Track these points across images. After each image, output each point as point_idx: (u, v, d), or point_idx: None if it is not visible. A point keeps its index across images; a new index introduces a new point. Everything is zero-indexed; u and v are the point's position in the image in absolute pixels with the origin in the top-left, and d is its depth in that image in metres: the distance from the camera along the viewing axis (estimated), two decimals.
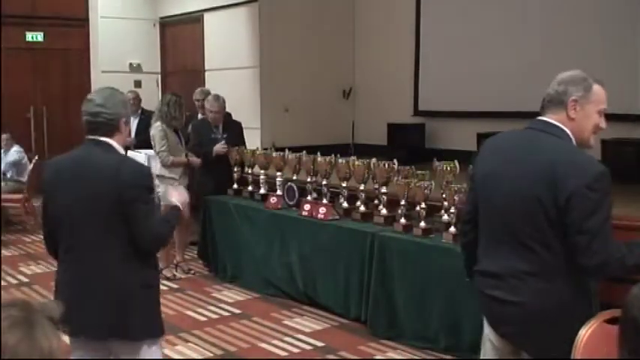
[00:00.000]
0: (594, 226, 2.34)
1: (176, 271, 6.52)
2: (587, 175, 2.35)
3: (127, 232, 2.74)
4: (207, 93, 7.14)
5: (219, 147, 6.57)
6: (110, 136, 2.84)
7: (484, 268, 2.61)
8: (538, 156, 2.47)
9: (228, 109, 6.90)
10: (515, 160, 2.51)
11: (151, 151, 7.61)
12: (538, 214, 2.42)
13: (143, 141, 7.67)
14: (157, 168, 6.26)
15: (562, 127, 2.52)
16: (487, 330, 2.68)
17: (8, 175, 8.64)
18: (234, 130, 6.91)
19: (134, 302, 2.78)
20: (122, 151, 2.94)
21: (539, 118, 2.58)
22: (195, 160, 6.50)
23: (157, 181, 6.36)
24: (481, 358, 2.75)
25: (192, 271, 6.61)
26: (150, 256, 2.90)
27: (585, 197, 2.33)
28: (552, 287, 2.45)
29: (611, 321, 2.48)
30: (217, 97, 6.74)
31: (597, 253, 2.35)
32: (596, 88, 2.60)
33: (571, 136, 2.52)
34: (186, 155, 6.46)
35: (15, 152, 8.77)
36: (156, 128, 6.35)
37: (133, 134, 8.23)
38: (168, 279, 6.35)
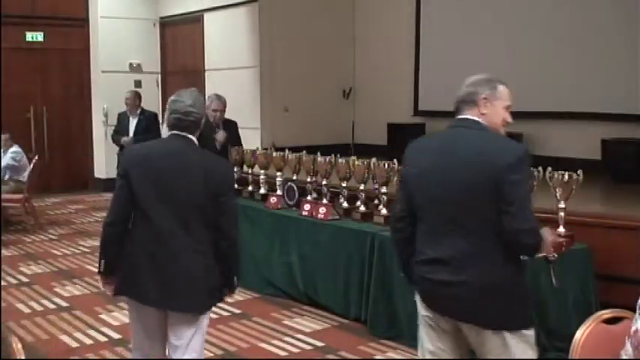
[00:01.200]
0: (523, 197, 2.68)
1: None
2: (513, 155, 2.67)
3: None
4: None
5: (221, 135, 6.59)
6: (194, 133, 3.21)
7: (430, 257, 2.79)
8: (468, 147, 2.76)
9: (228, 109, 6.92)
10: (448, 155, 2.77)
11: None
12: (478, 199, 2.67)
13: (142, 141, 7.66)
14: None
15: (479, 120, 2.82)
16: (426, 316, 2.87)
17: (6, 177, 8.63)
18: (230, 129, 6.94)
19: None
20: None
21: (461, 116, 2.86)
22: None
23: None
24: (421, 343, 2.94)
25: None
26: None
27: (514, 173, 2.64)
28: (495, 265, 2.69)
29: (609, 321, 2.49)
30: (219, 97, 6.81)
31: (528, 219, 2.66)
32: (501, 87, 2.92)
33: (488, 126, 2.83)
34: None
35: (9, 156, 8.71)
36: (163, 125, 6.41)
37: (131, 134, 8.25)
38: None
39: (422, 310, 2.89)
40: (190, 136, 3.16)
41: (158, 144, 3.41)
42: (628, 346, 2.23)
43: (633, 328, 2.22)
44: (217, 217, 3.13)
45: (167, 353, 3.27)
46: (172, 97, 3.23)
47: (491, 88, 2.90)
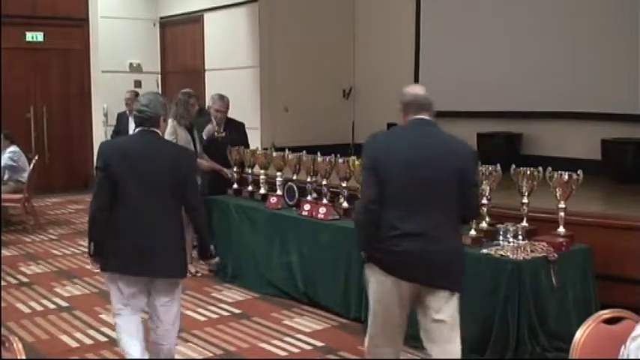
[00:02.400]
0: (477, 180, 3.63)
1: None
2: (471, 149, 3.46)
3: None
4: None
5: (210, 128, 6.60)
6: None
7: (405, 232, 3.26)
8: (437, 141, 3.39)
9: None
10: (421, 147, 3.35)
11: None
12: (449, 181, 3.29)
13: None
14: None
15: (433, 121, 3.45)
16: (388, 285, 3.33)
17: (5, 177, 8.62)
18: (236, 130, 6.94)
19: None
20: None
21: (419, 117, 3.42)
22: (203, 162, 6.50)
23: None
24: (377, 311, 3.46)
25: (200, 274, 6.60)
26: None
27: (473, 162, 3.45)
28: (456, 235, 3.45)
29: (609, 321, 2.49)
30: (222, 97, 6.83)
31: (479, 197, 3.67)
32: None
33: None
34: (196, 156, 6.45)
35: (7, 156, 8.70)
36: (168, 124, 6.42)
37: (131, 134, 8.24)
38: None
39: (382, 283, 3.35)
40: (155, 130, 3.77)
41: (131, 139, 3.99)
42: (631, 347, 2.22)
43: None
44: (184, 195, 3.72)
45: (151, 321, 3.83)
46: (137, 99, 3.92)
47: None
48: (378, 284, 3.39)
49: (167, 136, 6.31)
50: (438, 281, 3.32)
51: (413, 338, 4.65)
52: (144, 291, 3.79)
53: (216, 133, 6.75)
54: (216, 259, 3.99)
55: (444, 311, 3.35)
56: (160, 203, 3.67)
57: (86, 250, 7.61)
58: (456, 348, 3.46)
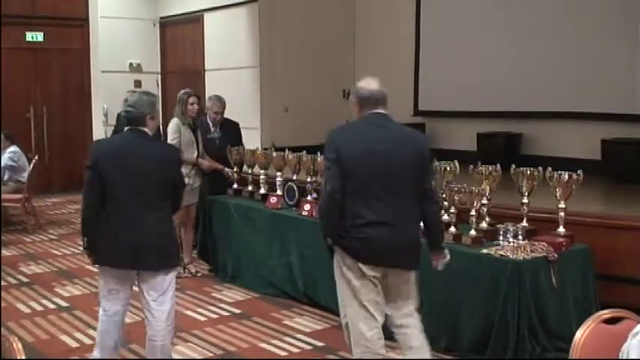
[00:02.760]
0: (433, 169, 4.13)
1: (184, 272, 6.53)
2: (426, 139, 3.84)
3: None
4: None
5: (207, 164, 6.57)
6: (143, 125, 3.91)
7: (369, 220, 3.50)
8: (397, 133, 3.66)
9: (228, 109, 6.94)
10: (379, 138, 3.56)
11: None
12: (412, 172, 3.55)
13: None
14: None
15: (389, 114, 3.68)
16: (358, 272, 3.57)
17: (5, 177, 8.62)
18: (231, 130, 6.95)
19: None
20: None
21: (377, 111, 3.63)
22: (204, 162, 6.50)
23: None
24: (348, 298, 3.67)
25: (200, 274, 6.60)
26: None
27: (429, 153, 3.70)
28: (418, 221, 3.67)
29: (609, 321, 2.49)
30: (219, 98, 6.85)
31: (435, 184, 3.99)
32: None
33: None
34: (198, 156, 6.45)
35: (7, 156, 8.70)
36: (172, 123, 6.44)
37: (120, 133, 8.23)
38: None
39: (350, 268, 3.58)
40: (143, 129, 3.86)
41: (119, 138, 4.09)
42: (632, 343, 2.22)
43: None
44: (170, 191, 3.87)
45: (145, 317, 3.93)
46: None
47: None
48: (347, 270, 3.61)
49: (170, 135, 6.35)
50: (402, 264, 3.63)
51: None
52: (129, 286, 3.93)
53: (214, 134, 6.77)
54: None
55: (404, 286, 3.68)
56: (147, 200, 3.78)
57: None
58: (415, 303, 3.75)
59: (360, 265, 3.56)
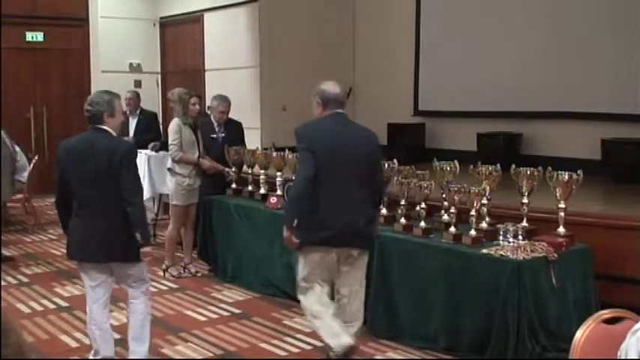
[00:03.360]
0: (381, 160, 4.54)
1: (183, 271, 6.53)
2: (375, 135, 4.29)
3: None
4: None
5: (208, 164, 6.54)
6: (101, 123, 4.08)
7: (335, 206, 3.99)
8: (352, 130, 4.22)
9: None
10: (342, 135, 4.10)
11: (151, 152, 7.62)
12: (364, 162, 4.09)
13: (142, 141, 7.65)
14: (168, 161, 6.50)
15: (346, 113, 4.26)
16: (322, 253, 4.07)
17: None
18: (234, 130, 6.95)
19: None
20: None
21: (339, 111, 4.18)
22: (205, 162, 6.49)
23: (168, 175, 6.46)
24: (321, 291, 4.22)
25: (200, 274, 6.60)
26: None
27: (378, 147, 4.28)
28: (372, 205, 4.23)
29: (609, 321, 2.48)
30: (225, 98, 6.85)
31: (383, 174, 4.67)
32: None
33: None
34: (199, 156, 6.44)
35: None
36: (173, 123, 6.44)
37: (131, 134, 8.23)
38: (173, 277, 6.43)
39: (316, 252, 4.07)
40: (102, 127, 4.04)
41: (79, 138, 4.20)
42: (631, 340, 2.21)
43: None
44: (121, 187, 3.96)
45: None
46: None
47: None
48: (314, 254, 4.09)
49: (172, 136, 6.36)
50: (361, 244, 4.16)
51: (421, 339, 4.69)
52: (108, 280, 4.16)
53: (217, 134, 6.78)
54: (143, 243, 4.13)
55: (359, 263, 4.21)
56: (101, 196, 3.97)
57: None
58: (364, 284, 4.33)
59: (324, 249, 4.05)
